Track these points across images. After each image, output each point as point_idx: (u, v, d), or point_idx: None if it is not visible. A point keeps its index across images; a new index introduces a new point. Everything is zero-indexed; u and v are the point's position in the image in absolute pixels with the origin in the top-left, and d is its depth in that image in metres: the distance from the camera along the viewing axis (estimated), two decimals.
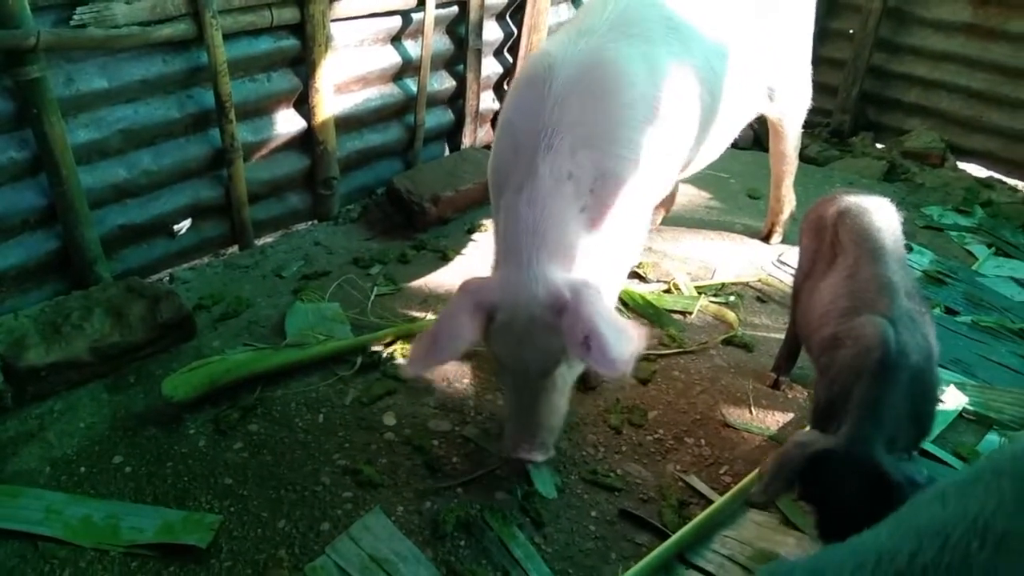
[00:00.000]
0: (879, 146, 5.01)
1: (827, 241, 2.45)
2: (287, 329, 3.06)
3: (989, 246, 3.87)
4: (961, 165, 4.80)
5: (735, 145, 4.96)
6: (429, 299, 3.32)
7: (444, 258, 3.60)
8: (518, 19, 4.25)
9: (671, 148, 2.54)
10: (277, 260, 3.52)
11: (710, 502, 2.40)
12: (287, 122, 3.47)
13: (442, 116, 4.16)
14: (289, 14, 3.23)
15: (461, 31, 3.97)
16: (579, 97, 2.27)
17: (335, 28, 3.45)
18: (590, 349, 2.00)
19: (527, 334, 2.12)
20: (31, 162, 2.80)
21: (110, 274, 3.10)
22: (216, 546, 2.25)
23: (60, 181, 2.82)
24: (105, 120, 2.93)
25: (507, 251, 2.22)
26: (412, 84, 3.89)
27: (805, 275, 2.55)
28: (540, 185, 2.21)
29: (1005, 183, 4.61)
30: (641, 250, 2.80)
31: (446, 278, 3.46)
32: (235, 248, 3.57)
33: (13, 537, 2.24)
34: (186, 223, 3.30)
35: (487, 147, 4.20)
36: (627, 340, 2.06)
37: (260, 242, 3.62)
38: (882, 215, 2.42)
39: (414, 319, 3.15)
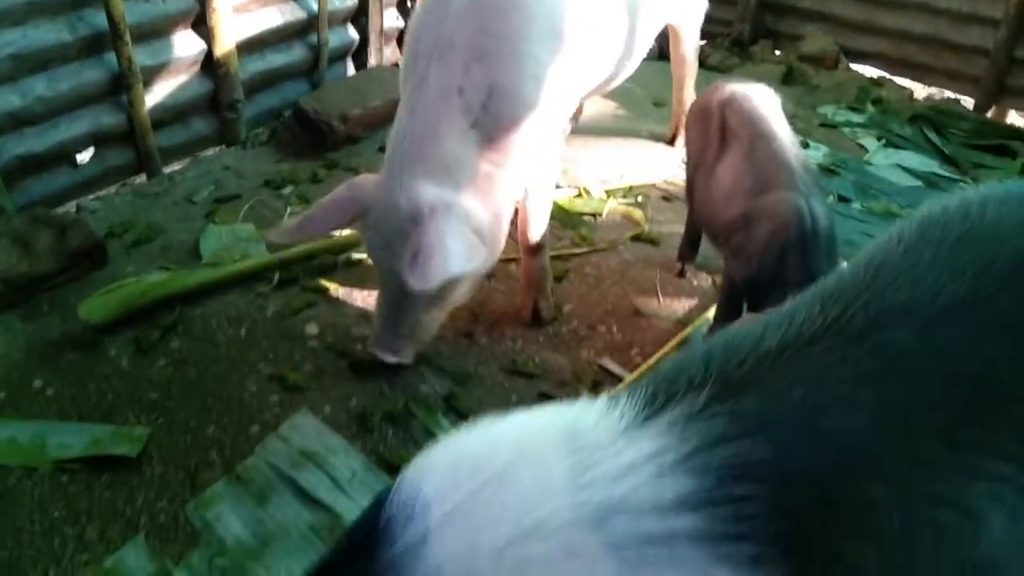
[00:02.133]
0: (777, 53, 5.17)
1: (714, 128, 2.57)
2: (202, 251, 3.06)
3: (879, 139, 4.09)
4: (855, 67, 5.00)
5: None
6: None
7: (357, 175, 3.61)
8: None
9: (577, 64, 2.52)
10: (187, 186, 3.48)
11: (621, 380, 2.55)
12: (186, 44, 3.40)
13: (346, 35, 4.12)
14: None
15: None
16: (480, 11, 2.25)
17: None
18: (415, 262, 2.08)
19: (389, 242, 2.19)
20: None
21: (13, 206, 3.03)
22: (146, 455, 2.29)
23: None
24: None
25: (388, 158, 2.27)
26: (313, 3, 3.83)
27: (695, 165, 2.68)
28: (426, 97, 2.22)
29: (895, 82, 4.83)
30: (558, 166, 2.82)
31: None
32: (143, 176, 3.51)
33: None
34: (89, 151, 3.23)
35: (395, 65, 4.18)
36: (463, 262, 2.11)
37: (168, 169, 3.56)
38: (765, 99, 2.56)
39: (328, 242, 3.19)
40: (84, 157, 3.24)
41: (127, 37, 3.08)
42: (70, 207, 3.31)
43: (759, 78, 4.79)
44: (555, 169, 2.70)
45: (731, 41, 5.24)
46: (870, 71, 4.95)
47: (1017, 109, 4.65)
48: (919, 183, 3.74)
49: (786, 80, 4.65)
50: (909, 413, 0.95)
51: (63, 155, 3.18)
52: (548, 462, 0.95)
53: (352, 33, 4.16)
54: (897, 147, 4.03)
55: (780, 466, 0.90)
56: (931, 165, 3.88)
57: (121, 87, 3.21)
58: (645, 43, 3.05)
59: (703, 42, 5.33)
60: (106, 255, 2.97)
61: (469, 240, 2.16)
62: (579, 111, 3.87)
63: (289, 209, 3.32)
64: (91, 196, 3.38)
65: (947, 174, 3.86)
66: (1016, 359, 0.96)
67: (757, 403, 0.97)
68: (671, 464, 0.91)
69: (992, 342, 0.98)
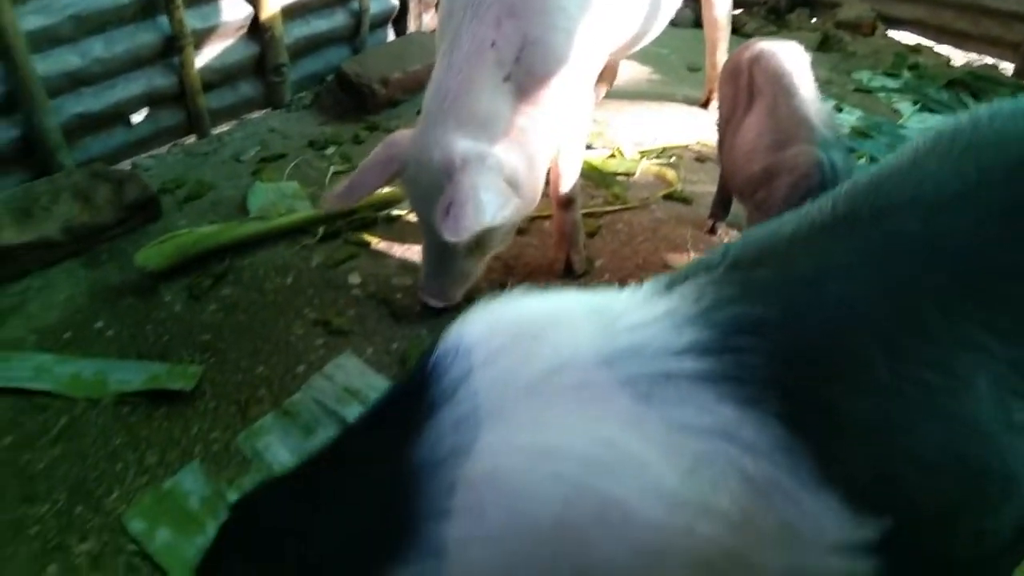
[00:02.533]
0: (814, 21, 5.17)
1: (743, 85, 2.64)
2: (249, 206, 3.20)
3: (915, 103, 4.10)
4: (892, 34, 4.98)
5: (674, 24, 5.11)
6: None
7: None
8: None
9: (607, 18, 2.57)
10: (234, 146, 3.63)
11: None
12: (234, 9, 3.52)
13: (386, 2, 4.21)
14: None
15: None
16: None
17: None
18: (448, 214, 2.14)
19: (426, 194, 2.28)
20: None
21: (73, 162, 3.19)
22: (200, 391, 2.44)
23: (16, 68, 2.89)
24: (54, 6, 2.98)
25: (423, 113, 2.37)
26: None
27: (726, 121, 2.74)
28: (459, 52, 2.30)
29: (933, 49, 4.81)
30: (589, 121, 2.88)
31: None
32: (193, 137, 3.67)
33: (6, 394, 2.41)
34: (143, 112, 3.39)
35: (434, 31, 4.27)
36: (495, 213, 2.16)
37: (217, 130, 3.72)
38: (792, 56, 2.61)
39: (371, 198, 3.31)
40: (138, 117, 3.39)
41: (179, 0, 3.21)
42: (125, 165, 3.46)
43: None
44: (586, 124, 2.76)
45: (767, 9, 5.24)
46: (909, 38, 4.92)
47: None
48: None
49: (822, 47, 4.65)
50: (908, 286, 1.06)
51: (118, 115, 3.33)
52: (578, 323, 1.08)
53: (393, 0, 4.26)
54: (932, 111, 4.03)
55: (783, 323, 1.02)
56: None
57: (173, 49, 3.35)
58: (673, 2, 3.11)
59: (739, 11, 5.37)
60: (160, 208, 3.13)
61: (502, 191, 2.22)
62: (613, 75, 3.93)
63: (332, 168, 3.45)
64: (145, 155, 3.54)
65: None
66: (1011, 243, 1.05)
67: (767, 273, 1.10)
68: (685, 319, 1.04)
69: (989, 228, 1.08)
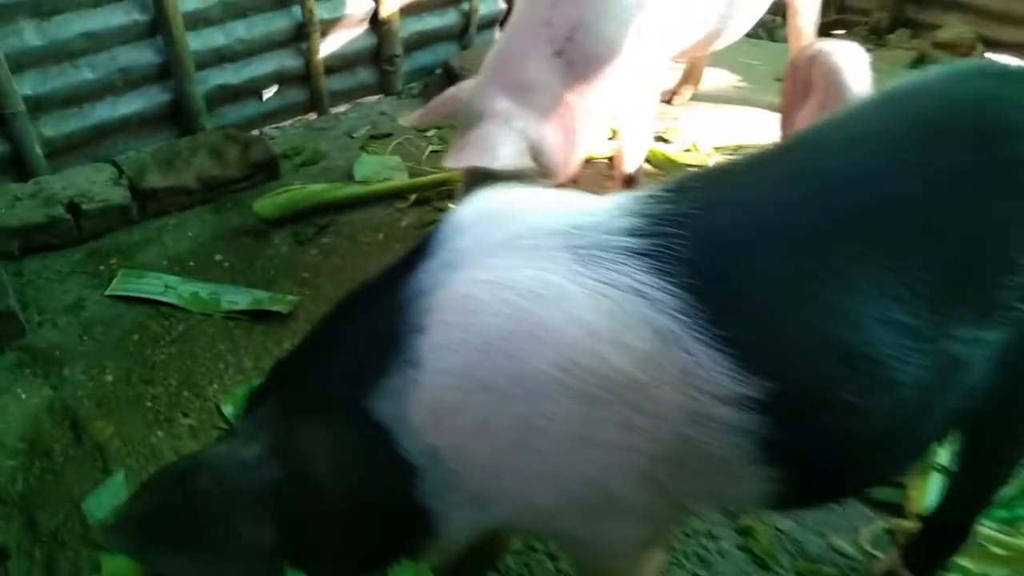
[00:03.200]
0: (913, 41, 5.24)
1: (800, 81, 2.86)
2: (355, 174, 3.64)
3: None
4: (995, 57, 5.00)
5: (772, 38, 5.30)
6: None
7: None
8: None
9: (670, 14, 2.74)
10: (349, 124, 4.11)
11: None
12: (357, 4, 4.01)
13: (494, 5, 4.63)
14: None
15: None
16: None
17: None
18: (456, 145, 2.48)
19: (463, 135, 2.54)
20: (150, 25, 3.43)
21: (212, 126, 3.72)
22: (295, 316, 2.86)
23: (173, 42, 3.44)
24: None
25: (481, 69, 2.65)
26: None
27: (785, 116, 2.96)
28: (518, 24, 2.60)
29: None
30: (654, 110, 3.11)
31: None
32: (313, 114, 4.17)
33: (140, 303, 2.91)
34: (273, 88, 3.90)
35: None
36: (499, 161, 2.40)
37: (334, 110, 4.21)
38: (849, 55, 2.81)
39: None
40: (269, 93, 3.91)
41: None
42: (254, 133, 3.98)
43: (890, 63, 4.95)
44: (649, 112, 2.97)
45: (869, 29, 5.35)
46: (1010, 61, 4.94)
47: None
48: None
49: (915, 65, 4.75)
50: (810, 201, 1.32)
51: (252, 89, 3.86)
52: (549, 208, 1.38)
53: (500, 3, 4.66)
54: None
55: (702, 218, 1.30)
56: None
57: (302, 35, 3.85)
58: (753, 5, 3.30)
59: (842, 31, 5.50)
60: (279, 169, 3.62)
61: (517, 149, 2.44)
62: (699, 78, 4.18)
63: (429, 147, 3.85)
64: (271, 126, 4.06)
65: None
66: (899, 178, 1.30)
67: (696, 186, 1.39)
68: (627, 211, 1.33)
69: (886, 163, 1.33)
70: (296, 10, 3.79)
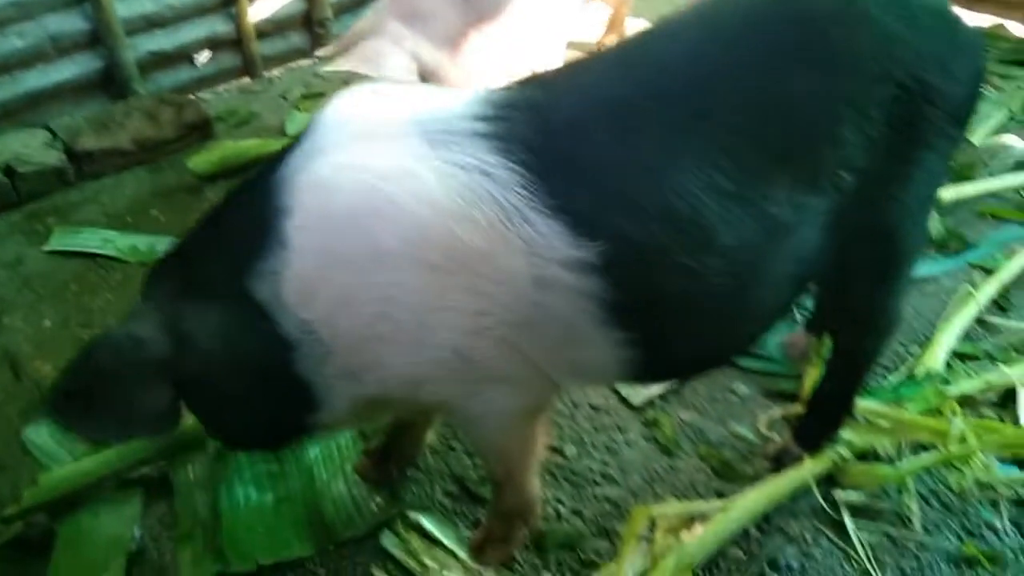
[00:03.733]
0: None
1: None
2: (287, 130, 3.75)
3: None
4: None
5: None
6: None
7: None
8: None
9: None
10: (282, 87, 4.21)
11: None
12: None
13: None
14: None
15: None
16: None
17: None
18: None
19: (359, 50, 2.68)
20: None
21: (146, 92, 3.80)
22: None
23: (101, 9, 3.53)
24: None
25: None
26: None
27: None
28: None
29: None
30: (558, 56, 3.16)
31: None
32: (247, 78, 4.26)
33: (79, 257, 3.01)
34: (206, 53, 3.99)
35: None
36: (379, 71, 2.56)
37: (268, 74, 4.30)
38: None
39: None
40: (202, 58, 4.00)
41: None
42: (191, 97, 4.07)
43: None
44: (556, 51, 3.10)
45: None
46: None
47: None
48: None
49: None
50: (638, 86, 1.48)
51: (185, 55, 3.94)
52: (411, 98, 1.51)
53: None
54: None
55: (542, 104, 1.45)
56: None
57: (231, 0, 3.94)
58: None
59: None
60: (213, 130, 3.72)
61: (405, 66, 2.60)
62: (621, 27, 4.32)
63: None
64: (206, 91, 4.14)
65: None
66: (719, 68, 1.46)
67: (542, 78, 1.57)
68: (477, 100, 1.48)
69: (704, 54, 1.49)
70: None
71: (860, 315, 1.91)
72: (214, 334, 1.46)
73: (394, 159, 1.39)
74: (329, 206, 1.39)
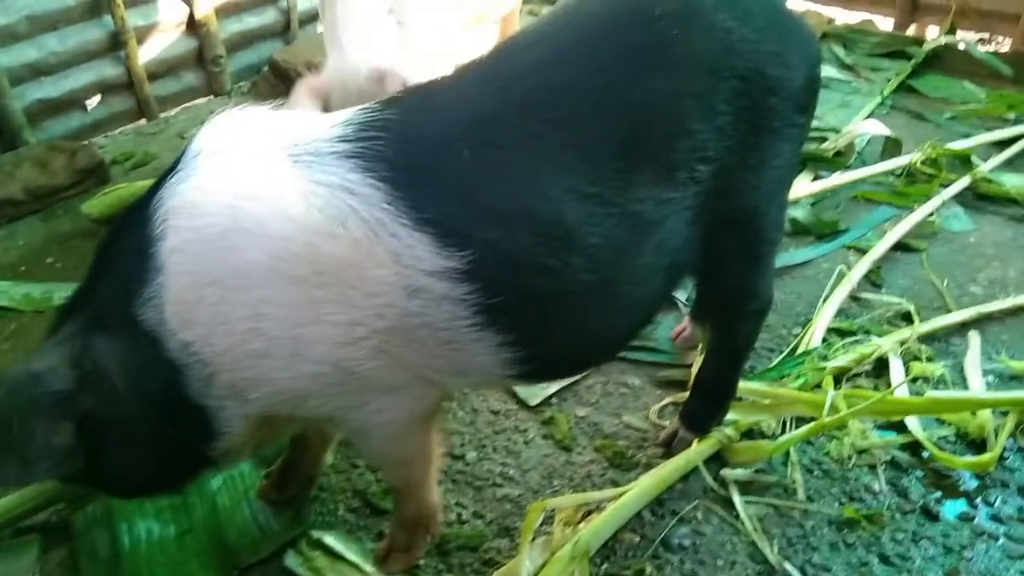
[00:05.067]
0: None
1: None
2: None
3: None
4: (789, 3, 5.45)
5: None
6: None
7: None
8: None
9: None
10: (179, 126, 4.21)
11: None
12: (171, 9, 4.12)
13: (316, 1, 4.79)
14: None
15: None
16: None
17: None
18: None
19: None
20: None
21: (36, 140, 3.76)
22: None
23: None
24: (11, 7, 3.58)
25: (330, 45, 2.79)
26: None
27: None
28: None
29: (819, 11, 5.27)
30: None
31: None
32: (143, 120, 4.25)
33: None
34: (96, 98, 3.97)
35: None
36: None
37: (164, 115, 4.30)
38: None
39: None
40: (93, 103, 3.98)
41: (120, 2, 3.81)
42: (83, 144, 4.03)
43: None
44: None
45: None
46: (803, 4, 5.39)
47: (933, 24, 5.00)
48: None
49: None
50: (495, 100, 1.55)
51: (75, 101, 3.91)
52: (274, 124, 1.56)
53: None
54: None
55: (402, 123, 1.51)
56: (829, 71, 4.32)
57: (118, 44, 3.93)
58: None
59: None
60: (108, 173, 3.70)
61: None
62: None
63: None
64: (101, 136, 4.12)
65: (842, 77, 4.32)
66: (574, 75, 1.54)
67: (403, 96, 1.64)
68: (337, 121, 1.52)
69: (557, 61, 1.57)
70: (108, 19, 3.87)
71: (732, 300, 2.02)
72: (111, 365, 1.48)
73: (258, 180, 1.45)
74: (195, 228, 1.43)
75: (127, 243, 1.52)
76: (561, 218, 1.48)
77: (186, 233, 1.43)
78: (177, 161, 1.53)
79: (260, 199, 1.43)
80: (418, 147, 1.49)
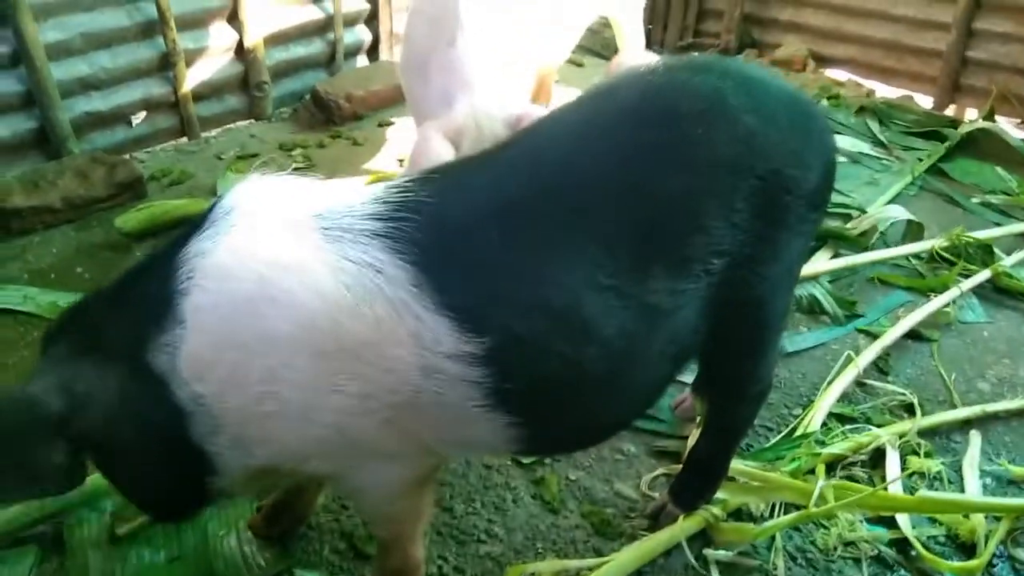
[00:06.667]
0: (758, 60, 5.70)
1: None
2: (218, 191, 3.85)
3: None
4: (831, 71, 5.48)
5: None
6: (337, 171, 4.10)
7: (355, 144, 4.40)
8: None
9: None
10: (218, 147, 4.34)
11: None
12: (221, 34, 4.26)
13: (362, 34, 4.94)
14: None
15: None
16: None
17: None
18: None
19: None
20: (12, 55, 3.62)
21: (80, 151, 3.90)
22: None
23: (35, 71, 3.63)
24: (68, 24, 3.74)
25: (459, 88, 2.81)
26: (330, 5, 4.67)
27: None
28: (471, 31, 2.85)
29: (859, 83, 5.28)
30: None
31: (355, 158, 4.26)
32: (184, 139, 4.38)
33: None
34: (141, 115, 4.11)
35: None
36: None
37: (205, 135, 4.43)
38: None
39: None
40: (138, 119, 4.11)
41: (172, 24, 3.95)
42: (125, 156, 4.17)
43: None
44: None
45: (720, 51, 5.79)
46: (843, 74, 5.42)
47: (972, 106, 5.01)
48: (845, 159, 4.22)
49: None
50: (521, 189, 1.60)
51: (121, 116, 4.06)
52: (308, 194, 1.62)
53: (367, 33, 4.98)
54: (836, 133, 4.49)
55: (433, 206, 1.56)
56: (861, 146, 4.35)
57: (168, 64, 4.07)
58: None
59: (696, 54, 5.92)
60: (145, 187, 3.82)
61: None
62: (548, 96, 4.51)
63: (293, 164, 4.10)
64: (143, 151, 4.25)
65: (874, 154, 4.34)
66: (593, 166, 1.59)
67: (436, 176, 1.68)
68: (375, 198, 1.58)
69: (581, 153, 1.62)
70: (160, 40, 4.02)
71: (732, 384, 2.05)
72: (113, 395, 1.53)
73: (290, 250, 1.50)
74: (226, 291, 1.48)
75: (146, 286, 1.57)
76: (579, 309, 1.52)
77: (214, 295, 1.48)
78: (208, 213, 1.59)
79: (290, 271, 1.48)
80: (446, 231, 1.53)
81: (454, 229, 1.54)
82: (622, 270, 1.55)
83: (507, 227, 1.54)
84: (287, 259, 1.49)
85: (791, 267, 1.88)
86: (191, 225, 1.62)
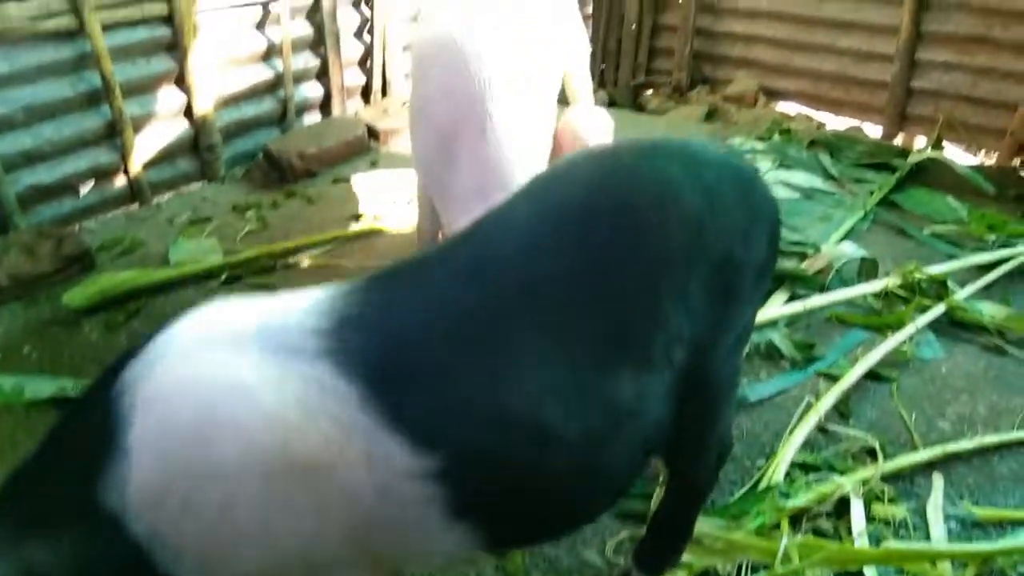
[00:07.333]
0: (710, 97, 5.77)
1: (558, 145, 3.19)
2: (171, 259, 3.80)
3: (774, 161, 4.62)
4: (783, 105, 5.56)
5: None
6: (292, 230, 4.06)
7: (310, 202, 4.37)
8: (371, 4, 5.05)
9: None
10: (170, 211, 4.28)
11: None
12: (169, 98, 4.23)
13: (314, 90, 4.93)
14: (158, 8, 4.02)
15: (318, 18, 4.77)
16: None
17: (203, 17, 4.23)
18: None
19: None
20: None
21: (27, 224, 3.83)
22: None
23: None
24: (9, 98, 3.68)
25: (497, 189, 2.70)
26: (279, 63, 4.66)
27: None
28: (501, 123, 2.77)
29: (809, 116, 5.36)
30: None
31: (310, 216, 4.23)
32: (135, 205, 4.32)
33: None
34: (90, 183, 4.05)
35: (354, 115, 4.98)
36: None
37: (157, 200, 4.37)
38: (591, 122, 3.16)
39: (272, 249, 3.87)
40: (86, 188, 4.05)
41: (118, 92, 3.91)
42: (74, 227, 4.10)
43: (685, 117, 5.45)
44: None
45: (672, 88, 5.86)
46: (794, 109, 5.50)
47: (920, 134, 5.10)
48: (798, 195, 4.26)
49: (708, 118, 5.25)
50: (475, 294, 1.53)
51: (68, 186, 3.99)
52: (250, 313, 1.56)
53: (319, 88, 4.98)
54: (790, 168, 4.55)
55: (377, 320, 1.51)
56: (814, 181, 4.39)
57: (115, 132, 4.03)
58: None
59: (649, 91, 6.00)
60: (94, 260, 3.75)
61: None
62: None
63: (247, 227, 4.05)
64: (92, 219, 4.18)
65: (826, 188, 4.38)
66: (546, 255, 1.56)
67: (379, 284, 1.60)
68: (319, 312, 1.52)
69: (541, 247, 1.57)
70: (106, 108, 3.97)
71: (690, 452, 2.01)
72: (71, 560, 1.46)
73: (231, 372, 1.44)
74: (169, 417, 1.42)
75: (85, 427, 1.50)
76: (539, 415, 1.48)
77: (158, 422, 1.41)
78: (150, 341, 1.52)
79: (233, 392, 1.42)
80: (394, 343, 1.48)
81: (402, 339, 1.49)
82: (583, 370, 1.51)
83: (459, 334, 1.49)
84: (230, 381, 1.42)
85: (743, 331, 1.88)
86: (125, 353, 1.57)
